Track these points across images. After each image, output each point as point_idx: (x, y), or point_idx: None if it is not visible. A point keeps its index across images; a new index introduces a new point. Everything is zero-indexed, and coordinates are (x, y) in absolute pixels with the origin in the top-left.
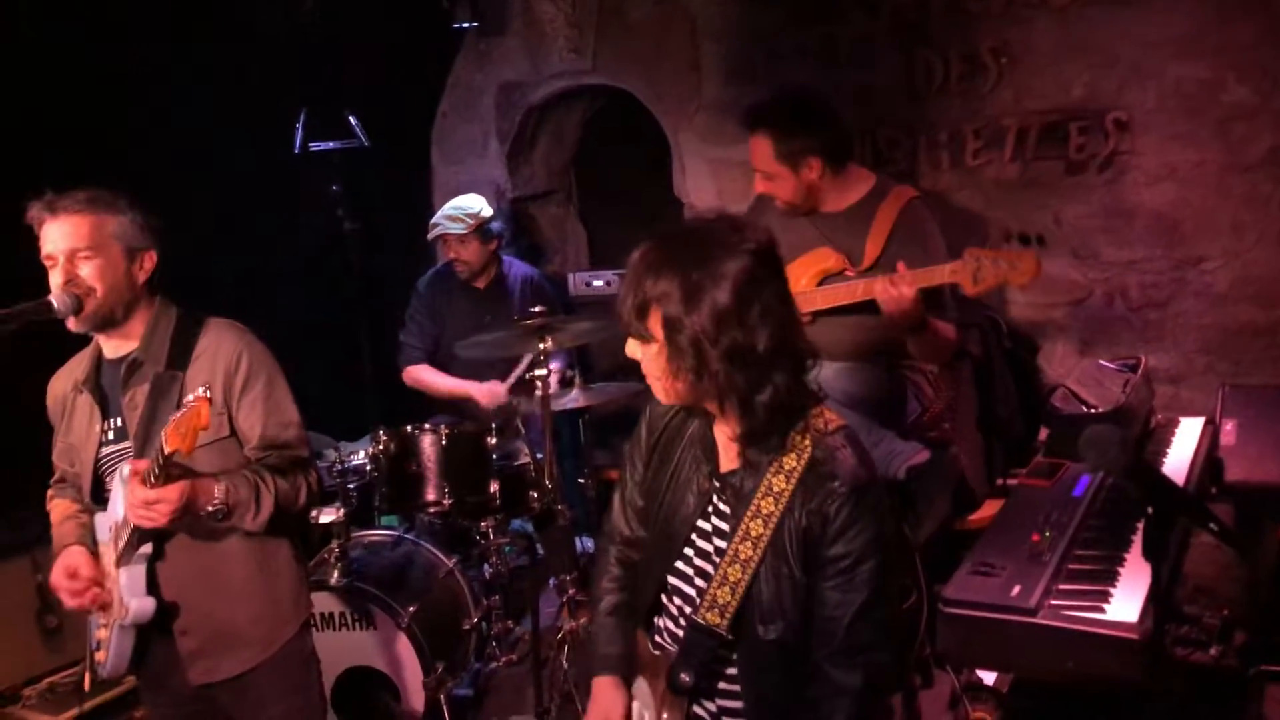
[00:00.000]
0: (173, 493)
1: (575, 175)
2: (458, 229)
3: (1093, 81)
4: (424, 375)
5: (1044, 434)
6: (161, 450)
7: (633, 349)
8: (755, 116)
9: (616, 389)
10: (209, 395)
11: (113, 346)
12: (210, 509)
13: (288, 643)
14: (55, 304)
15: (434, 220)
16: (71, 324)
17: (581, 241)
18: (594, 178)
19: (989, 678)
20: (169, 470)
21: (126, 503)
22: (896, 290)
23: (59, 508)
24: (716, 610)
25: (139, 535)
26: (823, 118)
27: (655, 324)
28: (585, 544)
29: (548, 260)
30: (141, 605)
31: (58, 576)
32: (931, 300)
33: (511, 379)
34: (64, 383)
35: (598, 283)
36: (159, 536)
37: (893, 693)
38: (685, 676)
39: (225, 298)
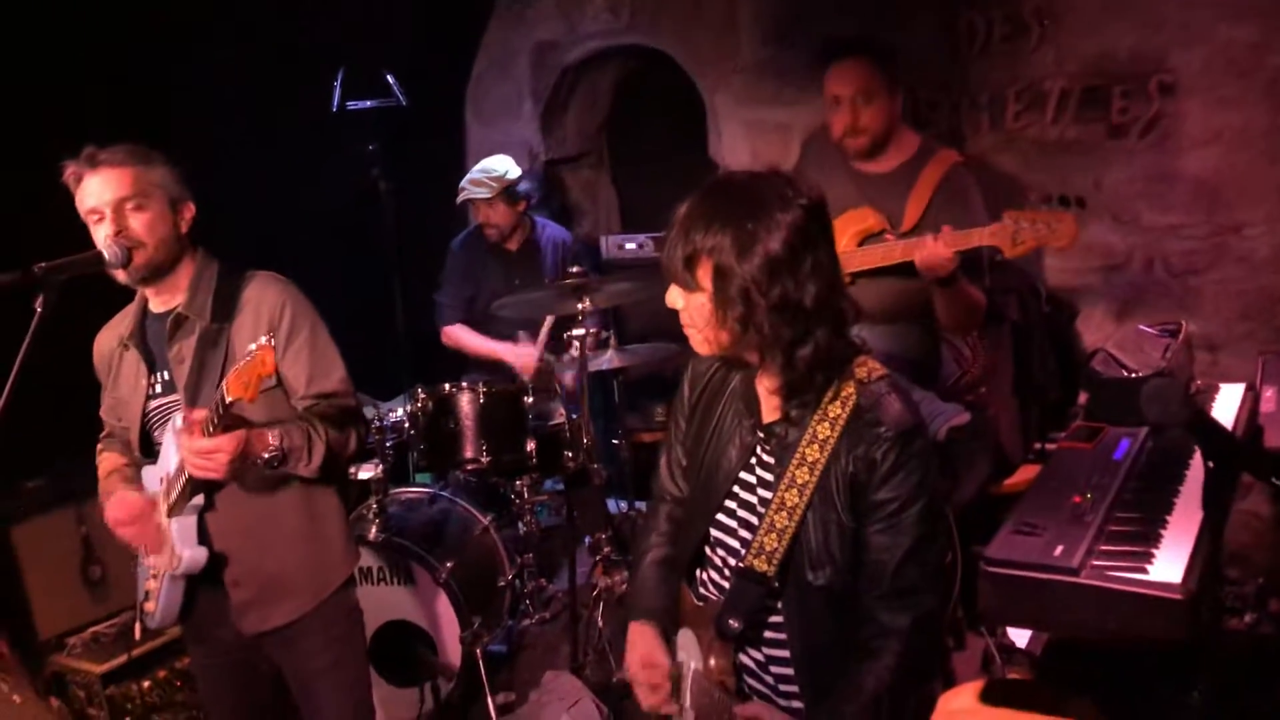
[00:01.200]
0: (230, 442)
1: (608, 138)
2: (483, 193)
3: (1137, 43)
4: (460, 335)
5: (1083, 398)
6: (222, 399)
7: (674, 298)
8: (852, 42)
9: (650, 351)
10: (272, 344)
11: (158, 301)
12: (266, 456)
13: (334, 593)
14: (106, 255)
15: (461, 184)
16: (121, 276)
17: (613, 204)
18: (627, 141)
19: (1021, 640)
20: (226, 420)
21: (182, 454)
22: (935, 250)
23: (106, 460)
24: (764, 557)
25: (192, 486)
26: (901, 65)
27: (704, 274)
28: (618, 505)
29: (579, 223)
30: (194, 555)
31: (114, 512)
32: (968, 265)
33: (540, 340)
34: (110, 338)
35: (630, 246)
36: (210, 488)
37: (940, 636)
38: (733, 622)
39: (260, 254)
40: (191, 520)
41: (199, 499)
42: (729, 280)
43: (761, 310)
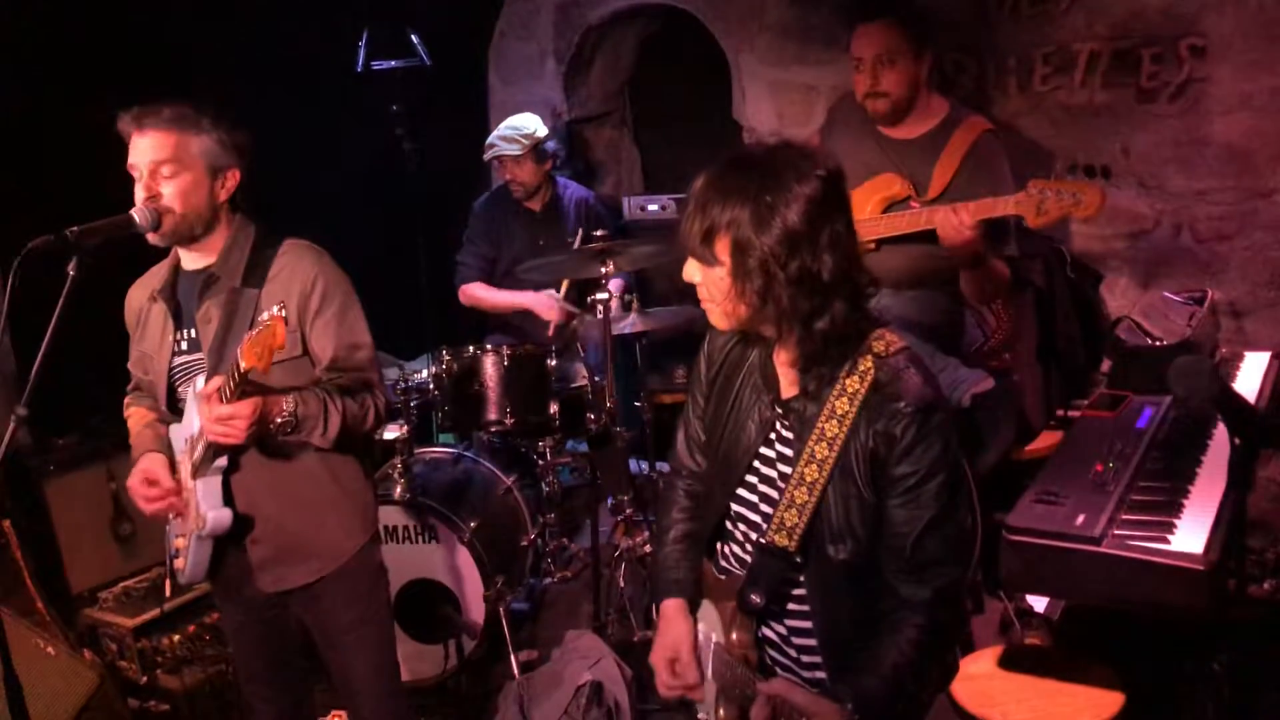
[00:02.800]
0: (246, 408)
1: (630, 97)
2: (513, 150)
3: (1169, 5)
4: (479, 292)
5: (1106, 365)
6: (237, 366)
7: (691, 272)
8: (878, 2)
9: (672, 314)
10: (284, 314)
11: (191, 259)
12: (280, 421)
13: (355, 554)
14: (136, 219)
15: (489, 140)
16: (151, 238)
17: (635, 165)
18: (649, 101)
19: (1039, 605)
20: (244, 387)
21: (201, 420)
22: (957, 219)
23: (136, 415)
24: (784, 533)
25: (215, 449)
26: (930, 24)
27: (723, 248)
28: (639, 466)
29: (601, 183)
30: (218, 516)
31: (135, 482)
32: (995, 233)
33: (562, 293)
34: (141, 292)
35: (652, 207)
36: (234, 450)
37: (963, 607)
38: (756, 597)
39: (284, 214)
40: (216, 481)
41: (223, 460)
42: (747, 253)
43: (780, 283)
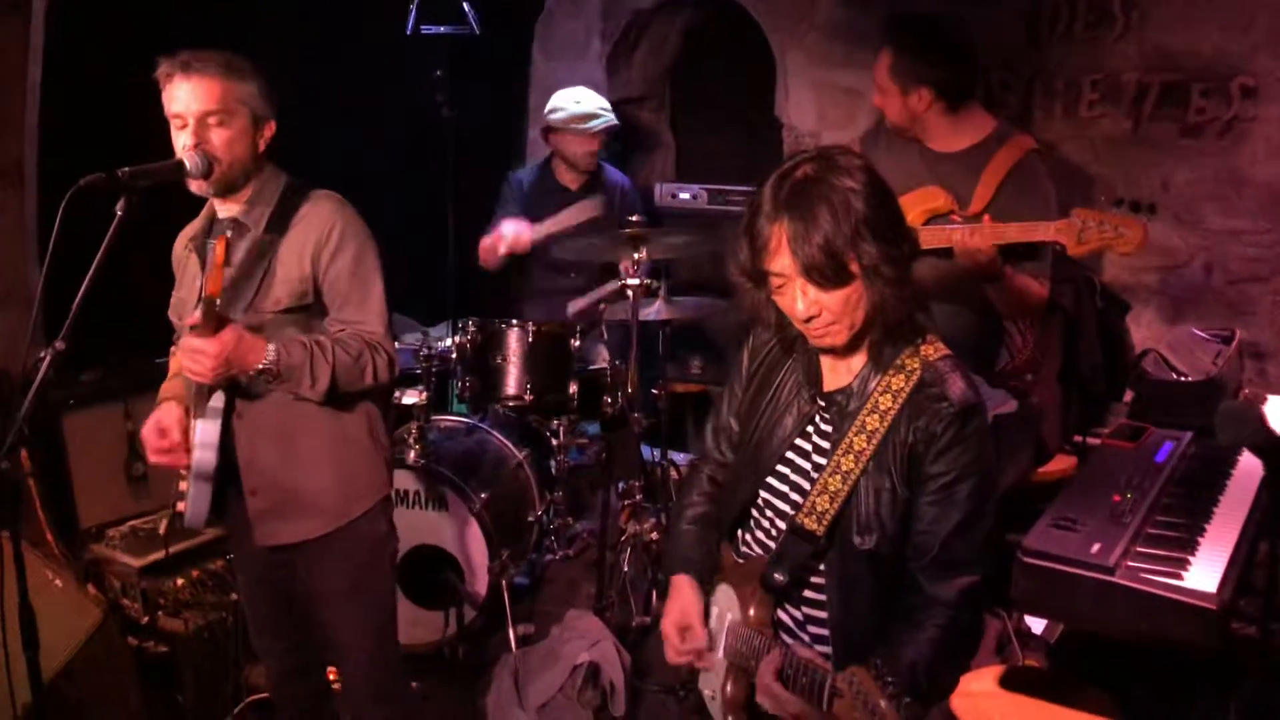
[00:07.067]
0: (214, 345)
1: (671, 85)
2: (615, 120)
3: (1223, 43)
4: (483, 242)
5: (1128, 396)
6: (201, 297)
7: (808, 305)
8: (885, 29)
9: (696, 304)
10: (228, 235)
11: (223, 207)
12: (260, 367)
13: (356, 520)
14: (187, 164)
15: (587, 110)
16: (196, 186)
17: (670, 152)
18: (690, 89)
19: (1037, 626)
20: (212, 320)
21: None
22: (974, 242)
23: (173, 363)
24: (815, 517)
25: (208, 389)
26: (948, 52)
27: (853, 263)
28: (652, 452)
29: (634, 167)
30: (201, 456)
31: (148, 430)
32: (1029, 254)
33: (593, 295)
34: (182, 240)
35: (684, 195)
36: (238, 394)
37: (983, 612)
38: (779, 576)
39: (317, 169)
40: (213, 425)
41: (217, 402)
42: (869, 259)
43: (888, 276)
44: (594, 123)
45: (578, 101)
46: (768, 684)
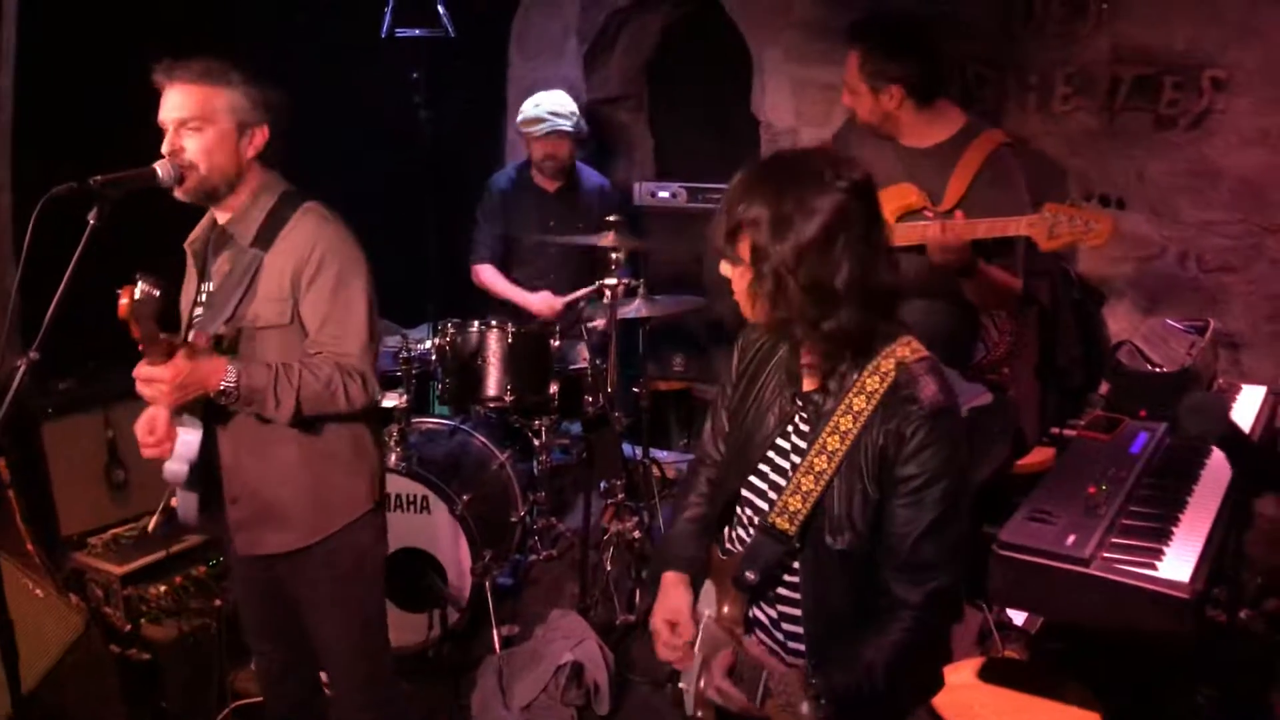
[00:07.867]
0: (166, 372)
1: (649, 83)
2: (565, 125)
3: (1195, 36)
4: (487, 278)
5: (1105, 388)
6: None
7: (725, 269)
8: (853, 29)
9: (675, 302)
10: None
11: (220, 214)
12: (221, 388)
13: (336, 534)
14: (159, 173)
15: (536, 114)
16: (176, 193)
17: (649, 151)
18: (667, 87)
19: (1018, 618)
20: (167, 348)
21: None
22: (946, 239)
23: None
24: (787, 517)
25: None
26: (915, 49)
27: (744, 249)
28: (633, 451)
29: (613, 166)
30: (172, 468)
31: (139, 425)
32: (1002, 249)
33: (570, 297)
34: (188, 242)
35: (663, 194)
36: (209, 407)
37: (955, 619)
38: (750, 574)
39: (295, 174)
40: (193, 436)
41: (189, 416)
42: (763, 258)
43: (792, 290)
44: (539, 127)
45: (536, 105)
46: (717, 681)
